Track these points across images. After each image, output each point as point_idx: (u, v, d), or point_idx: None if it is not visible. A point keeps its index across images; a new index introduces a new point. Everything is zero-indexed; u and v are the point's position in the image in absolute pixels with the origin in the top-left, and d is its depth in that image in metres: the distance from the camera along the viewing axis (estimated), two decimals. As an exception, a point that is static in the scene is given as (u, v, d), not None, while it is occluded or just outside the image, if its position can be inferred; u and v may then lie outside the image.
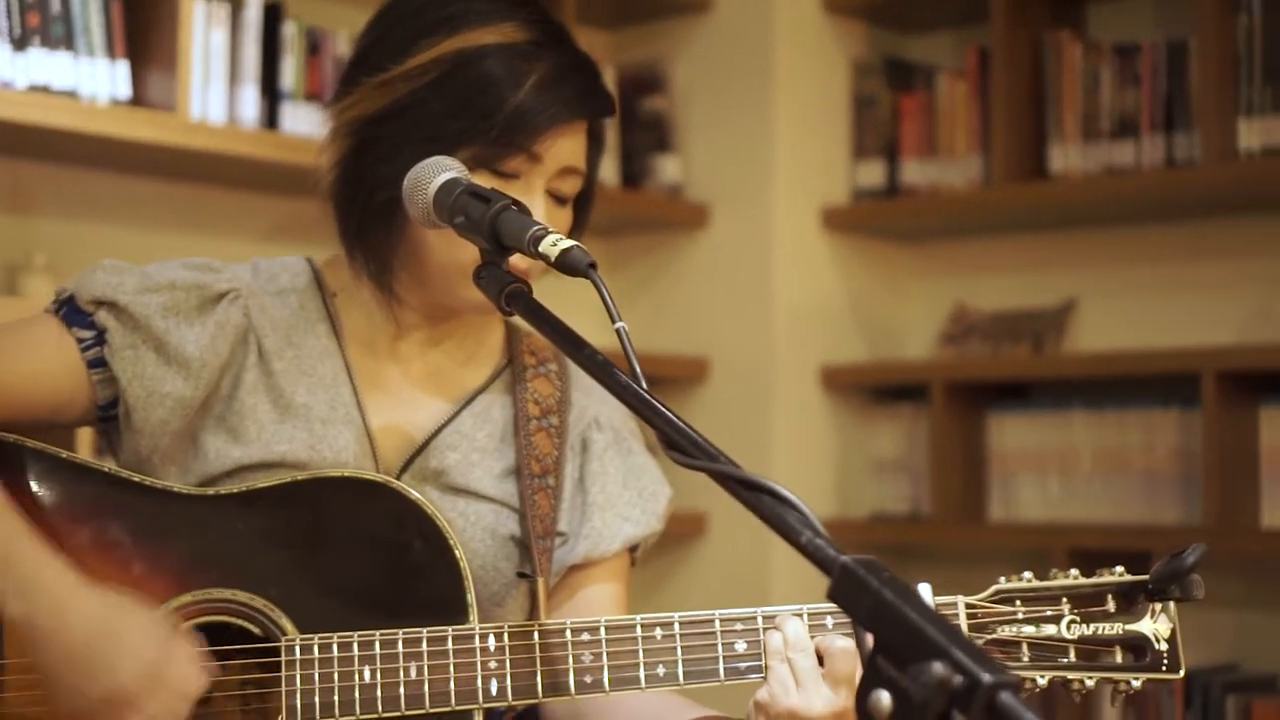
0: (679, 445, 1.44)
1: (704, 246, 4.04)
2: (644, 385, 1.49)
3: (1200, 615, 3.60)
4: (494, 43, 1.82)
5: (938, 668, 1.13)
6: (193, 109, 3.06)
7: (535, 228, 1.59)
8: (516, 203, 1.64)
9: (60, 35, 2.89)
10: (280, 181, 3.32)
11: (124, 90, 2.98)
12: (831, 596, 1.26)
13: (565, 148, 1.84)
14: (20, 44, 2.85)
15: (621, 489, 1.95)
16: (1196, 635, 3.56)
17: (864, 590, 1.23)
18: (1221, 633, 3.63)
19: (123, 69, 2.98)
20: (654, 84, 4.07)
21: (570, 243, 1.56)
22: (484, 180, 1.77)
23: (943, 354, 4.04)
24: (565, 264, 1.55)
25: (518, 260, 1.66)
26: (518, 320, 1.96)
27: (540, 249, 1.57)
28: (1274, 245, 3.67)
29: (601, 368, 1.53)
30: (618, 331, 1.51)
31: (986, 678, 1.12)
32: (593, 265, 1.55)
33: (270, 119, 3.24)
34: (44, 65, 2.88)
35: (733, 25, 4.03)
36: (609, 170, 3.83)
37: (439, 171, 1.69)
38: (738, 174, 4.00)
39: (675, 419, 1.45)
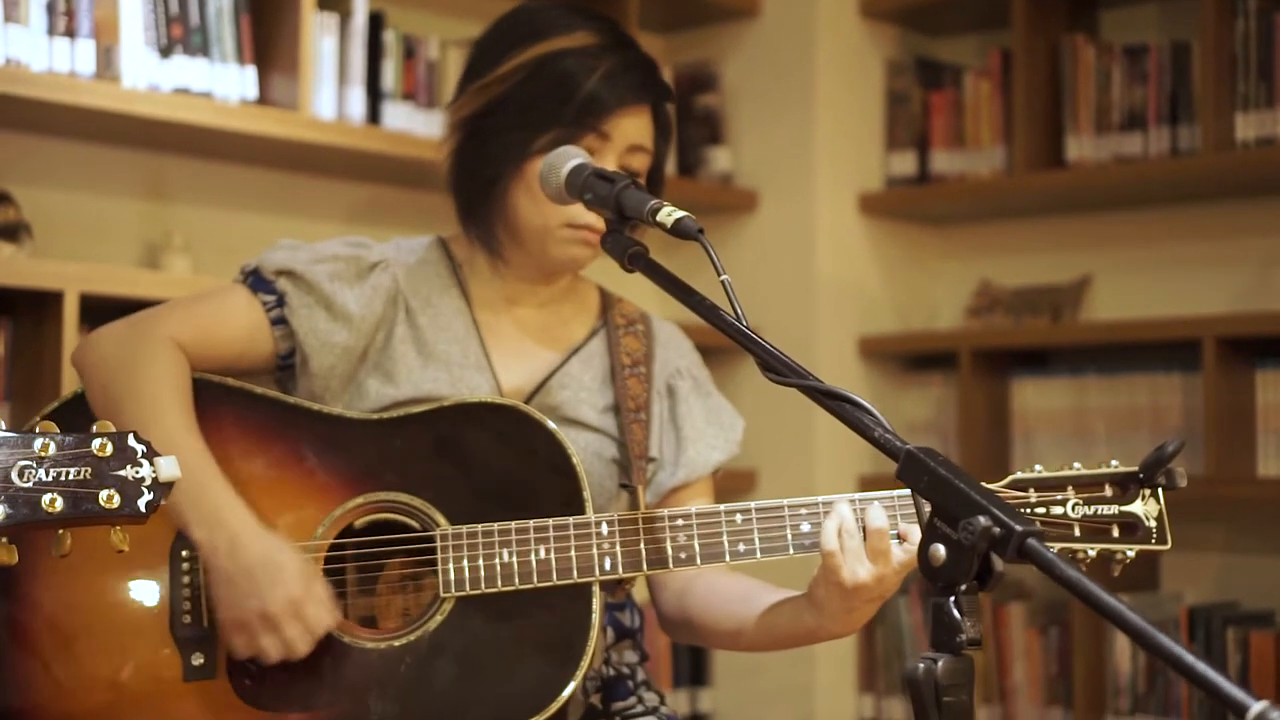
0: (774, 368, 1.76)
1: (752, 229, 4.21)
2: (746, 323, 1.80)
3: (1202, 556, 3.83)
4: (568, 46, 2.18)
5: (982, 519, 1.46)
6: (310, 108, 3.29)
7: (652, 201, 1.87)
8: (635, 182, 1.93)
9: (198, 45, 3.16)
10: (383, 171, 3.59)
11: (252, 92, 3.23)
12: (899, 476, 1.57)
13: (632, 127, 2.18)
14: (165, 52, 3.11)
15: (706, 425, 2.29)
16: (1199, 574, 3.87)
17: (923, 469, 1.55)
18: (1222, 572, 3.83)
19: (251, 73, 3.23)
20: (707, 83, 4.24)
21: (682, 213, 1.84)
22: None
23: (969, 325, 4.20)
24: (678, 230, 1.83)
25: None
26: (610, 290, 2.34)
27: (658, 218, 1.85)
28: (1266, 225, 3.83)
29: (710, 309, 1.83)
30: (723, 283, 1.80)
31: (1019, 527, 1.45)
32: (701, 230, 1.83)
33: (374, 115, 3.49)
34: (184, 70, 3.13)
35: (778, 29, 4.19)
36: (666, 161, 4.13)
37: (570, 158, 2.01)
38: (783, 164, 4.16)
39: (771, 347, 1.77)
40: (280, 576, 1.98)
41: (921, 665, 1.47)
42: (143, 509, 1.52)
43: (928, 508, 1.54)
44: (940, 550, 1.50)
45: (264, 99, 3.32)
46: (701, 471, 2.28)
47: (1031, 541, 1.47)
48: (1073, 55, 3.96)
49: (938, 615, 1.51)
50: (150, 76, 3.12)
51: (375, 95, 3.53)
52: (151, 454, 1.54)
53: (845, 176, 4.22)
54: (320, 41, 3.38)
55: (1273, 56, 3.63)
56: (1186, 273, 3.97)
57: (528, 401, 2.22)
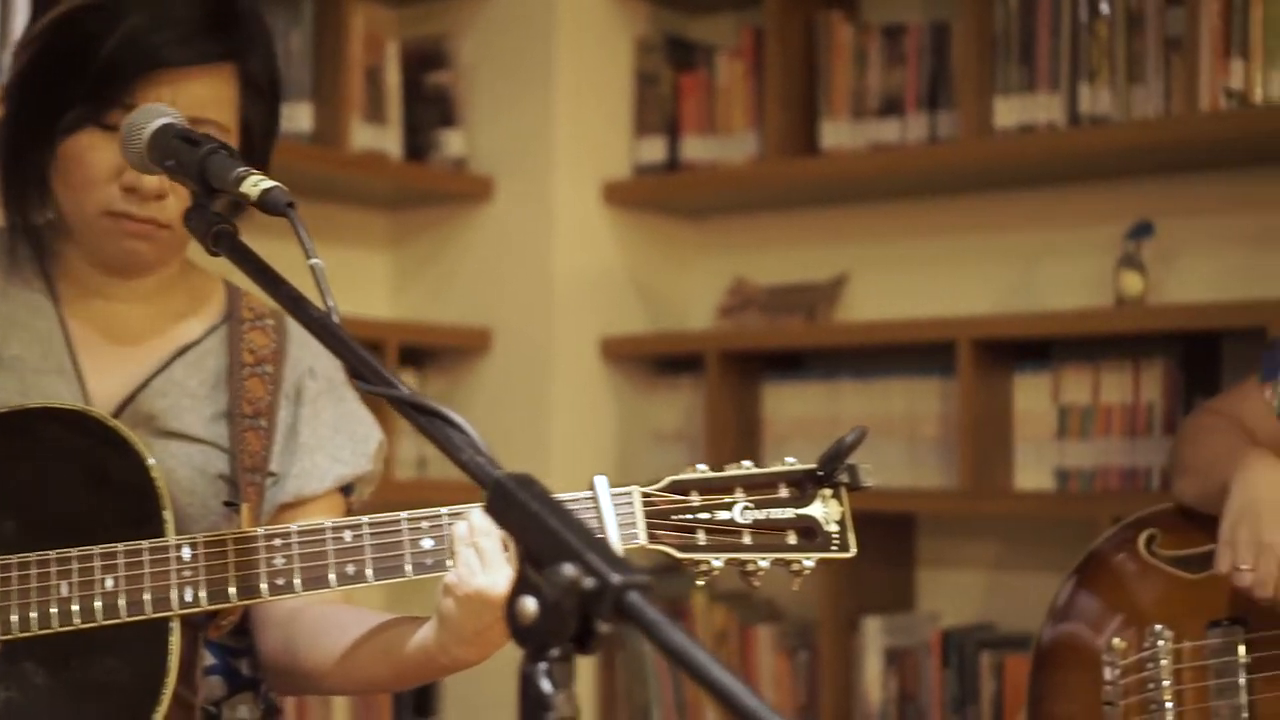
0: (362, 375, 1.51)
1: (487, 219, 3.98)
2: (336, 318, 1.54)
3: (960, 575, 3.70)
4: (92, 3, 1.85)
5: (568, 569, 1.18)
6: None
7: (239, 169, 1.63)
8: (225, 146, 1.67)
9: None
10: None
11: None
12: (487, 509, 1.30)
13: (181, 96, 1.84)
14: None
15: (333, 433, 1.99)
16: (957, 594, 3.70)
17: (513, 503, 1.28)
18: (981, 592, 3.68)
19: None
20: (439, 59, 4.02)
21: (271, 183, 1.60)
22: (96, 137, 1.82)
23: (719, 326, 4.02)
24: (265, 203, 1.59)
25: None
26: (239, 279, 2.02)
27: (242, 189, 1.61)
28: (1028, 219, 3.69)
29: (295, 302, 1.58)
30: (312, 267, 1.55)
31: (616, 579, 1.17)
32: (291, 204, 1.59)
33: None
34: None
35: (517, 2, 3.99)
36: (392, 143, 3.83)
37: (154, 117, 1.72)
38: (521, 148, 3.95)
39: (359, 351, 1.52)
40: None
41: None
42: None
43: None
44: (529, 605, 1.22)
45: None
46: (317, 486, 1.96)
47: (632, 597, 1.19)
48: (828, 34, 3.78)
49: (525, 688, 1.23)
50: None
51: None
52: None
53: (589, 163, 4.00)
54: None
55: (1034, 38, 3.47)
56: (946, 270, 3.80)
57: (121, 410, 1.90)
